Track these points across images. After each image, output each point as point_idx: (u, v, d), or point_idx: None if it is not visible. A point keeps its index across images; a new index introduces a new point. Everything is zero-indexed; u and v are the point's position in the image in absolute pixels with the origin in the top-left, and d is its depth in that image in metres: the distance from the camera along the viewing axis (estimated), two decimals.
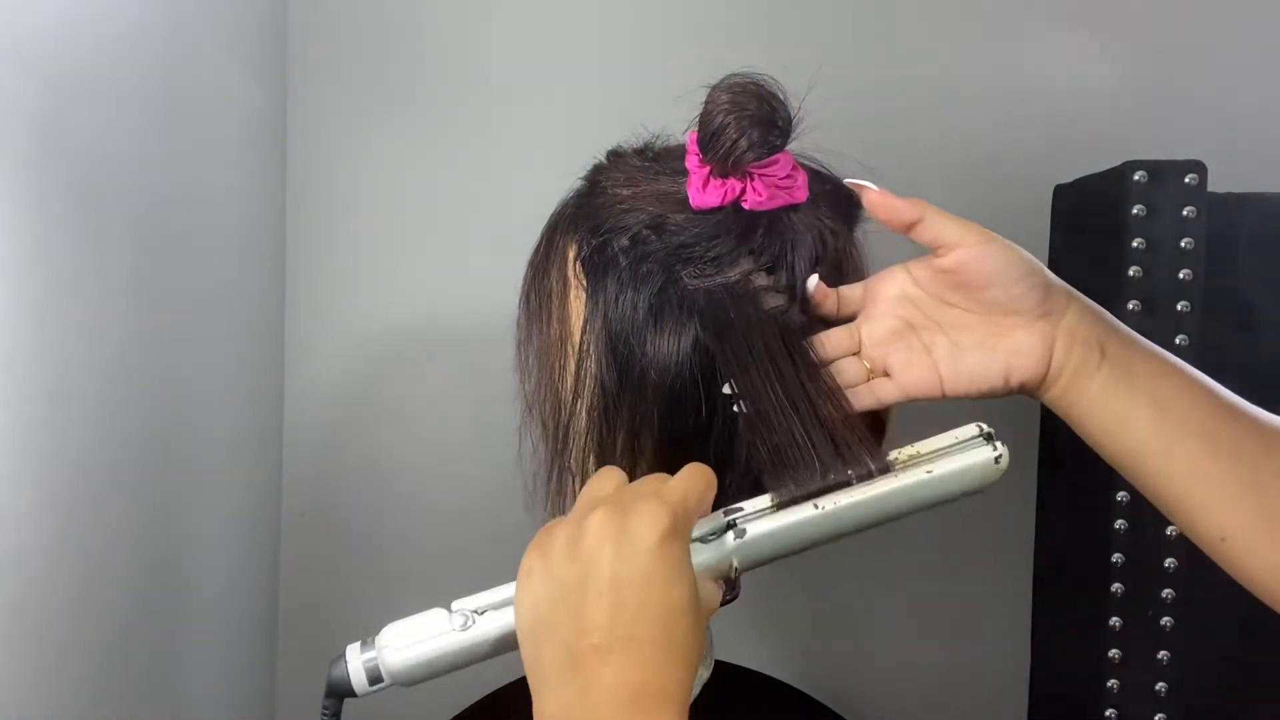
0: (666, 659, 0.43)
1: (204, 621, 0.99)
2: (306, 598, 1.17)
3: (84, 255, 0.76)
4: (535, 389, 0.60)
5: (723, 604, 0.64)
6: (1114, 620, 0.82)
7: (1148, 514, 0.66)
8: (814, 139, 0.58)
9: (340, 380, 1.16)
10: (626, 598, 0.43)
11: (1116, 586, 0.82)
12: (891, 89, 1.11)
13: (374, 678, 0.55)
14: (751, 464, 0.55)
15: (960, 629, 1.15)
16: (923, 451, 0.52)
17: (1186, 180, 0.79)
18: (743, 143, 0.53)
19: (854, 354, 0.56)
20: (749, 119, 0.53)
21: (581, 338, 0.56)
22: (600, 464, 0.57)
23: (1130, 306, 0.80)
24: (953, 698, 1.16)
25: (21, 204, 0.68)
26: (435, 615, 0.52)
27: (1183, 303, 0.80)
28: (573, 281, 0.58)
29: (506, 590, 0.51)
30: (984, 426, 0.52)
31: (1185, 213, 0.79)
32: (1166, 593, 0.81)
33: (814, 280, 0.56)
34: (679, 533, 0.45)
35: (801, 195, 0.56)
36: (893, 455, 0.52)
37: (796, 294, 0.56)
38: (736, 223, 0.55)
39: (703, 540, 0.49)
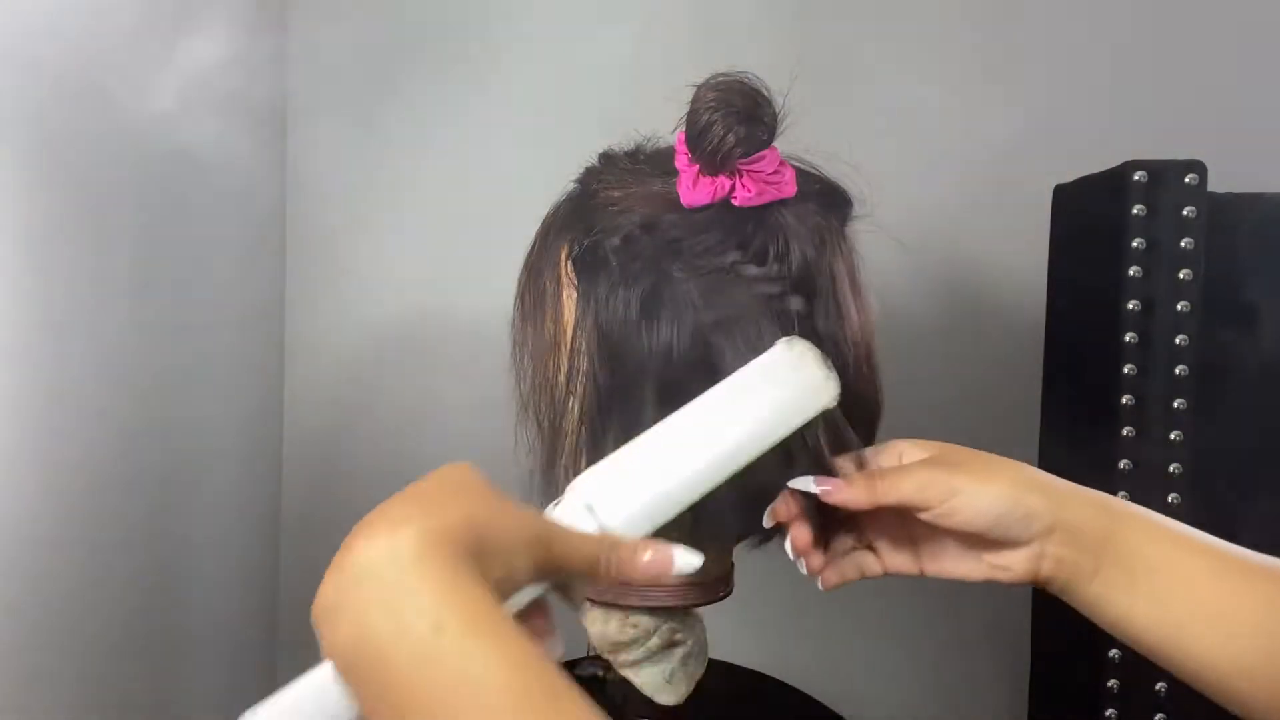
0: (438, 500, 0.42)
1: (204, 621, 0.99)
2: (306, 598, 1.17)
3: (84, 255, 0.77)
4: (530, 388, 0.61)
5: (715, 600, 0.64)
6: None
7: None
8: (809, 140, 0.58)
9: (339, 380, 1.16)
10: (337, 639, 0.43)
11: None
12: (892, 89, 1.11)
13: None
14: None
15: (960, 629, 1.14)
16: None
17: (1186, 180, 0.79)
18: (730, 139, 0.53)
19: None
20: (735, 116, 0.53)
21: (574, 337, 0.57)
22: (594, 461, 0.57)
23: (1130, 306, 0.80)
24: (952, 697, 1.16)
25: (21, 204, 0.69)
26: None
27: (1183, 303, 0.79)
28: (565, 281, 0.58)
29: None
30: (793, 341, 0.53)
31: (1185, 213, 0.79)
32: None
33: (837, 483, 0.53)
34: (394, 537, 0.42)
35: (790, 190, 0.56)
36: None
37: (790, 280, 0.55)
38: (727, 219, 0.55)
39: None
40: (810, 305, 0.56)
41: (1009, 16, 1.10)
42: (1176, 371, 0.80)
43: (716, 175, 0.55)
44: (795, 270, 0.55)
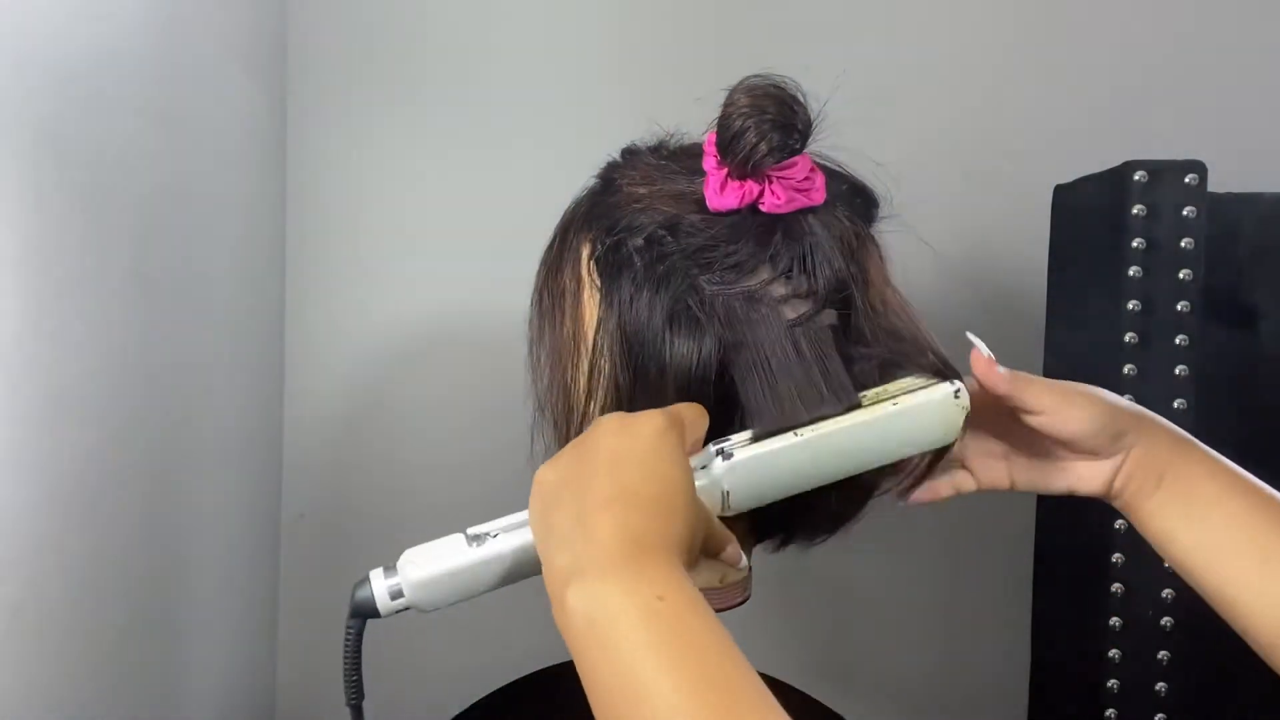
0: (663, 514, 0.46)
1: (204, 621, 0.99)
2: (306, 598, 1.17)
3: (84, 255, 0.76)
4: (547, 388, 0.60)
5: (733, 607, 0.63)
6: (1114, 620, 0.82)
7: None
8: (828, 140, 0.58)
9: (340, 380, 1.16)
10: (627, 465, 0.47)
11: (1116, 586, 0.82)
12: (891, 89, 1.11)
13: (395, 596, 0.59)
14: None
15: (960, 629, 1.15)
16: (890, 390, 0.55)
17: (1186, 180, 0.79)
18: (762, 146, 0.52)
19: None
20: (769, 122, 0.52)
21: (595, 337, 0.56)
22: None
23: (1130, 306, 0.80)
24: (953, 698, 1.16)
25: (21, 204, 0.69)
26: (452, 539, 0.56)
27: (1183, 303, 0.80)
28: (586, 280, 0.57)
29: (520, 515, 0.54)
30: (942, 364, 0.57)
31: (1185, 213, 0.79)
32: (1166, 593, 0.81)
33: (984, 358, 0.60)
34: (674, 429, 0.49)
35: (819, 197, 0.55)
36: (861, 395, 0.55)
37: (819, 298, 0.54)
38: (753, 225, 0.54)
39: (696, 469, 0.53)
40: (844, 314, 0.55)
41: (1009, 17, 1.10)
42: (1176, 371, 0.80)
43: (745, 180, 0.54)
44: (824, 285, 0.54)
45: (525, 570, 0.53)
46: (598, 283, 0.56)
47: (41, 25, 0.71)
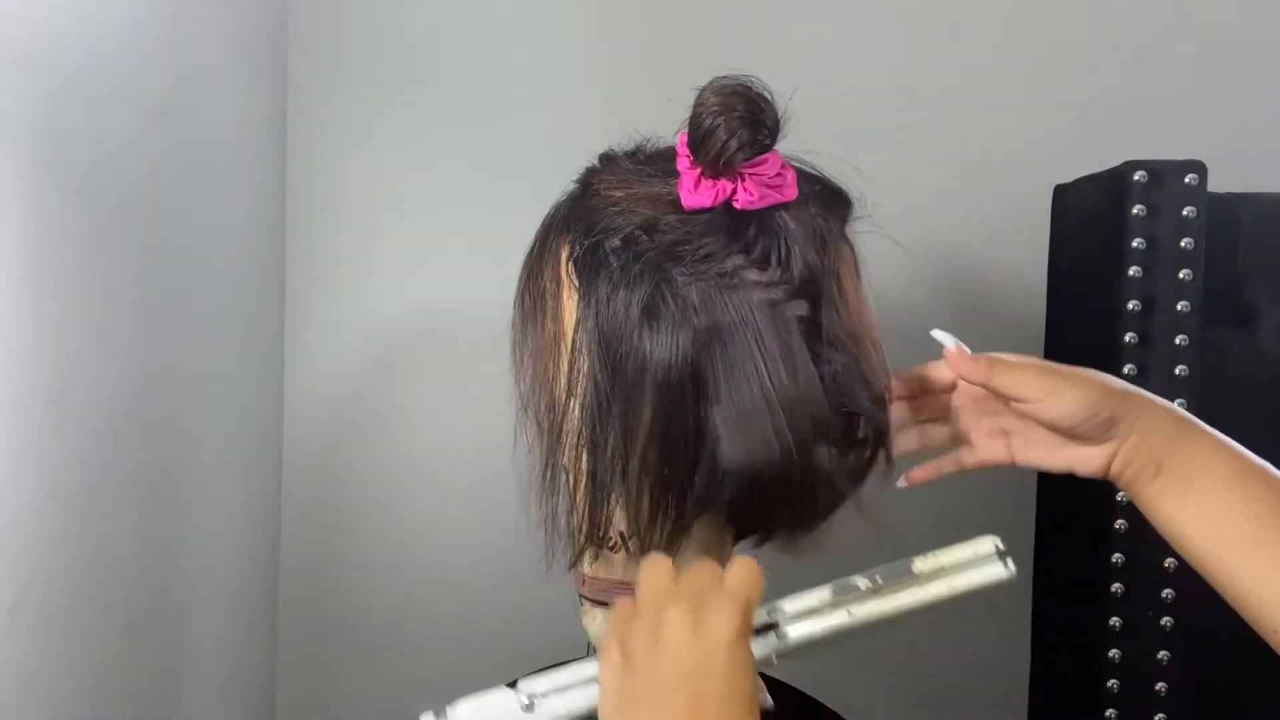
0: None
1: (204, 621, 0.99)
2: (306, 597, 1.17)
3: (84, 255, 0.77)
4: (530, 388, 0.61)
5: None
6: (1114, 620, 0.82)
7: None
8: (809, 140, 0.58)
9: (340, 380, 1.16)
10: (706, 688, 0.47)
11: (1116, 587, 0.82)
12: (891, 89, 1.11)
13: None
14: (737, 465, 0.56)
15: (960, 629, 1.14)
16: (944, 565, 0.56)
17: (1186, 180, 0.79)
18: (732, 143, 0.53)
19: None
20: (738, 120, 0.54)
21: (575, 337, 0.57)
22: (593, 462, 0.57)
23: (1130, 306, 0.80)
24: (953, 698, 1.16)
25: (22, 205, 0.69)
26: (503, 695, 0.56)
27: (1183, 303, 0.79)
28: (566, 282, 0.58)
29: (567, 673, 0.55)
30: (999, 544, 0.56)
31: (1185, 213, 0.79)
32: (1166, 593, 0.81)
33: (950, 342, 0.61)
34: (747, 630, 0.50)
35: (791, 194, 0.56)
36: (916, 567, 0.57)
37: (792, 288, 0.55)
38: (728, 222, 0.55)
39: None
40: (814, 309, 0.56)
41: (1009, 17, 1.10)
42: (1176, 371, 0.80)
43: (718, 178, 0.55)
44: (798, 275, 0.55)
45: None
46: (576, 283, 0.57)
47: (41, 25, 0.71)
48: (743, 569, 0.52)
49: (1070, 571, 0.92)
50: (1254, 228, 0.84)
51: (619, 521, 0.59)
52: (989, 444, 0.63)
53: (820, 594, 0.57)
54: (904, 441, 0.64)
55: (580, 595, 0.65)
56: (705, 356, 0.54)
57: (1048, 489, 0.96)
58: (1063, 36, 1.10)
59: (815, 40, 1.11)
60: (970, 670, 1.15)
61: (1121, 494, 0.81)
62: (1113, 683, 0.82)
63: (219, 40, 0.99)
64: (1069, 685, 0.91)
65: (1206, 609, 0.80)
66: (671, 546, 0.60)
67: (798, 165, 0.59)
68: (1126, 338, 0.80)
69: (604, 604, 0.63)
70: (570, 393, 0.58)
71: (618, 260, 0.55)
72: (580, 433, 0.57)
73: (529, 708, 0.54)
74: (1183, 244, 0.79)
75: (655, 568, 0.53)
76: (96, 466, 0.79)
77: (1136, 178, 0.79)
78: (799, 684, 1.00)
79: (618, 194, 0.58)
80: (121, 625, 0.83)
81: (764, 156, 0.55)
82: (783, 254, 0.55)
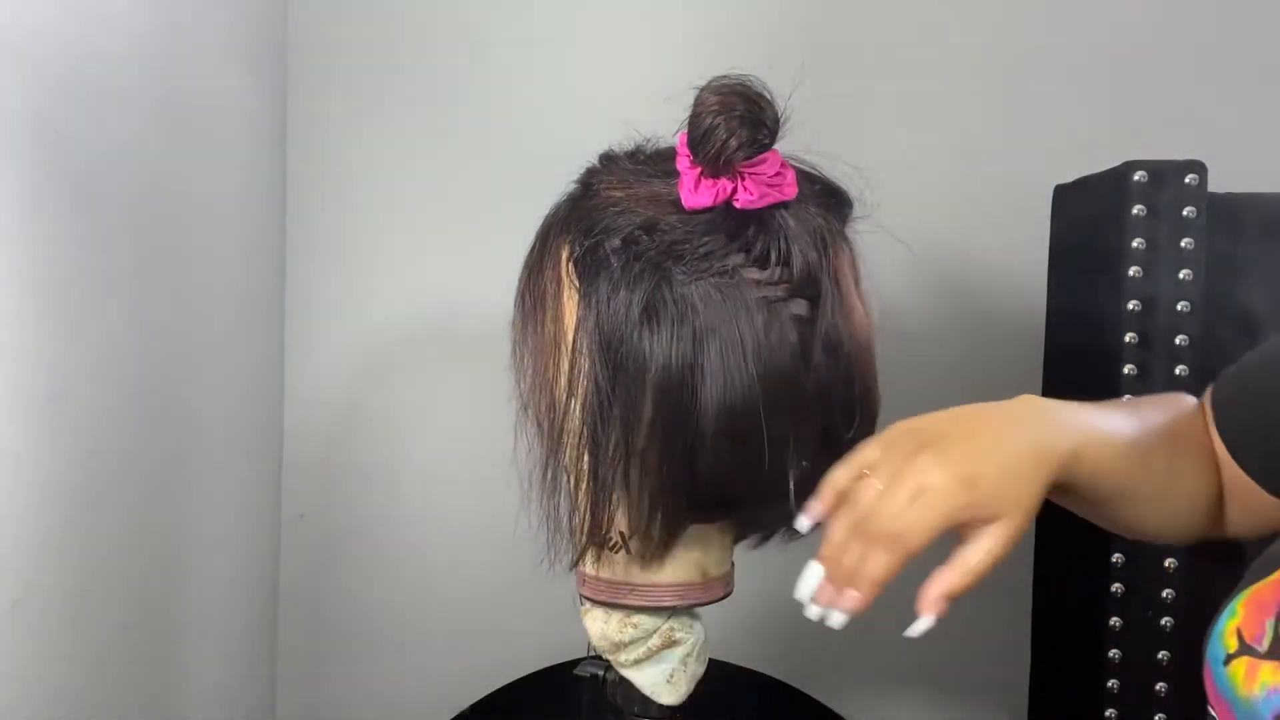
0: None
1: (204, 621, 0.99)
2: (306, 598, 1.17)
3: (84, 255, 0.77)
4: (530, 388, 0.61)
5: (715, 600, 0.64)
6: (1114, 621, 0.82)
7: None
8: (809, 140, 0.58)
9: (340, 380, 1.16)
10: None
11: (1116, 587, 0.82)
12: (891, 89, 1.11)
13: None
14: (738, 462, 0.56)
15: (960, 629, 1.14)
16: None
17: (1186, 180, 0.79)
18: (732, 143, 0.53)
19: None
20: (737, 119, 0.54)
21: (575, 337, 0.57)
22: (594, 462, 0.57)
23: (1130, 306, 0.80)
24: (953, 698, 1.16)
25: (21, 204, 0.69)
26: None
27: (1183, 303, 0.79)
28: (566, 282, 0.58)
29: None
30: None
31: (1185, 213, 0.79)
32: (1166, 593, 0.81)
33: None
34: None
35: (791, 192, 0.56)
36: None
37: (792, 286, 0.56)
38: (728, 221, 0.55)
39: None
40: (814, 308, 0.56)
41: (1009, 17, 1.10)
42: (1176, 371, 0.80)
43: (718, 178, 0.55)
44: (797, 274, 0.55)
45: None
46: (576, 284, 0.57)
47: (41, 25, 0.71)
48: None
49: (1070, 571, 0.92)
50: (1254, 228, 0.84)
51: (620, 521, 0.59)
52: None
53: None
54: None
55: (581, 595, 0.65)
56: (704, 355, 0.54)
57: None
58: (1063, 36, 1.10)
59: (815, 40, 1.11)
60: (970, 670, 1.15)
61: None
62: (1113, 683, 0.82)
63: (219, 40, 0.99)
64: (1069, 685, 0.91)
65: (1206, 609, 0.80)
66: (672, 545, 0.60)
67: (797, 164, 0.59)
68: (1126, 338, 0.80)
69: (605, 604, 0.63)
70: (571, 393, 0.58)
71: (618, 260, 0.55)
72: (581, 433, 0.57)
73: None
74: (1183, 244, 0.79)
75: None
76: (96, 466, 0.79)
77: (1136, 178, 0.79)
78: (799, 684, 1.00)
79: (618, 194, 0.58)
80: (121, 625, 0.83)
81: (763, 156, 0.55)
82: (782, 253, 0.55)
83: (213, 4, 0.98)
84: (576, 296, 0.57)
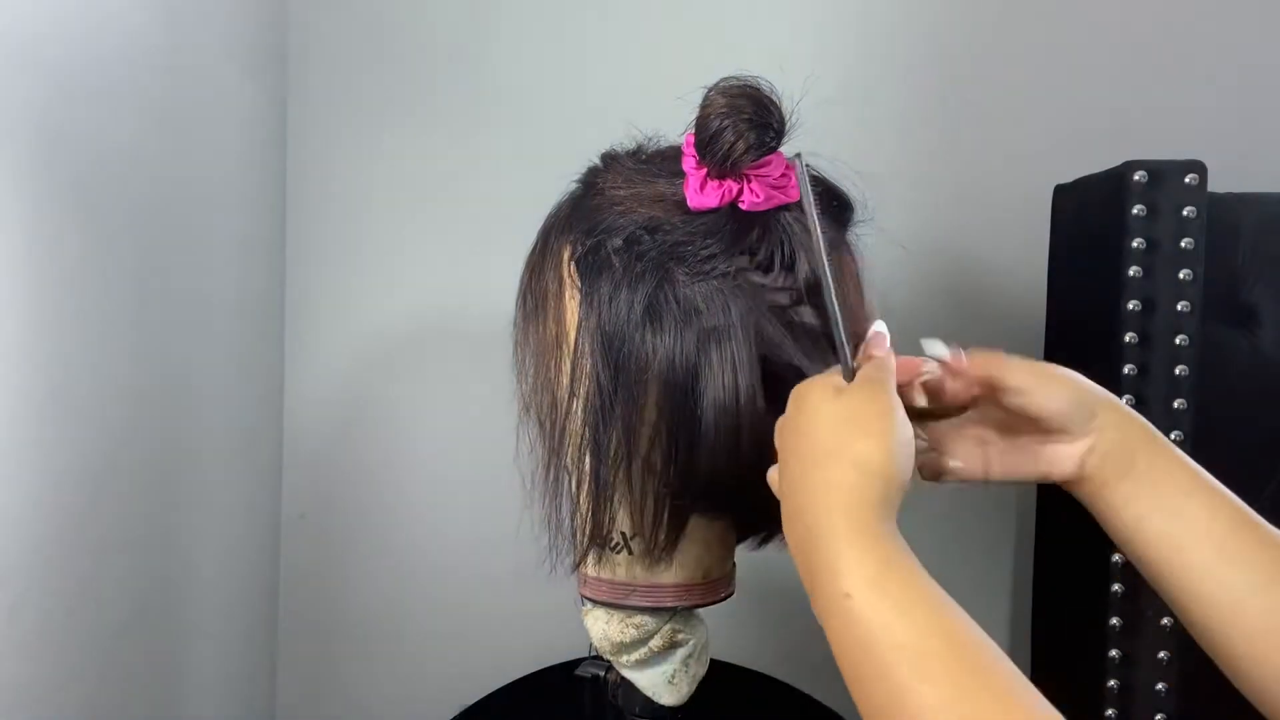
0: None
1: (204, 622, 0.99)
2: (306, 598, 1.17)
3: (84, 255, 0.76)
4: (531, 388, 0.61)
5: (717, 601, 0.64)
6: (1114, 620, 0.82)
7: None
8: (810, 142, 0.58)
9: (340, 380, 1.16)
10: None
11: (1116, 587, 0.82)
12: (891, 90, 1.11)
13: None
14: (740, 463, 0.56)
15: None
16: None
17: (1186, 180, 0.79)
18: (740, 145, 0.53)
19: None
20: (745, 122, 0.54)
21: (577, 337, 0.57)
22: (595, 462, 0.57)
23: (1130, 306, 0.80)
24: None
25: (22, 204, 0.69)
26: None
27: (1183, 303, 0.79)
28: (568, 282, 0.58)
29: None
30: None
31: (1185, 213, 0.79)
32: None
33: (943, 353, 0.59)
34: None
35: (796, 194, 0.56)
36: None
37: (800, 289, 0.55)
38: (732, 223, 0.55)
39: None
40: (816, 312, 0.56)
41: (1009, 17, 1.10)
42: (1176, 371, 0.80)
43: (724, 179, 0.55)
44: (803, 281, 0.55)
45: None
46: (578, 284, 0.57)
47: (41, 25, 0.71)
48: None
49: (1070, 571, 0.92)
50: (1254, 228, 0.84)
51: (622, 522, 0.59)
52: (968, 455, 0.61)
53: None
54: None
55: (582, 595, 0.65)
56: (707, 357, 0.54)
57: (1048, 489, 0.96)
58: (1063, 37, 1.10)
59: (815, 41, 1.11)
60: None
61: None
62: (1113, 683, 0.82)
63: (219, 40, 0.99)
64: (1069, 685, 0.91)
65: None
66: (674, 546, 0.60)
67: None
68: (1126, 338, 0.80)
69: (606, 604, 0.63)
70: (572, 393, 0.57)
71: (620, 260, 0.55)
72: (582, 433, 0.57)
73: None
74: (1183, 244, 0.79)
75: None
76: (97, 466, 0.79)
77: (1136, 178, 0.79)
78: (799, 684, 1.00)
79: (620, 193, 0.58)
80: (121, 625, 0.83)
81: (769, 158, 0.55)
82: (786, 257, 0.55)
83: (213, 4, 0.98)
84: (578, 296, 0.57)
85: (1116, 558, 0.82)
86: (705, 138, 0.54)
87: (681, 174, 0.56)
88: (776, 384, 0.55)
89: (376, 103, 1.13)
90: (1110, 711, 0.82)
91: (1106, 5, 1.09)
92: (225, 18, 1.00)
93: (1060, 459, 0.59)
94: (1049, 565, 0.98)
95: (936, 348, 0.59)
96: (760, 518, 0.60)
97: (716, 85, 0.55)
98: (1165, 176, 0.79)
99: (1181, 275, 0.79)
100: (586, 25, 1.13)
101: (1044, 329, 0.97)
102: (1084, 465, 0.58)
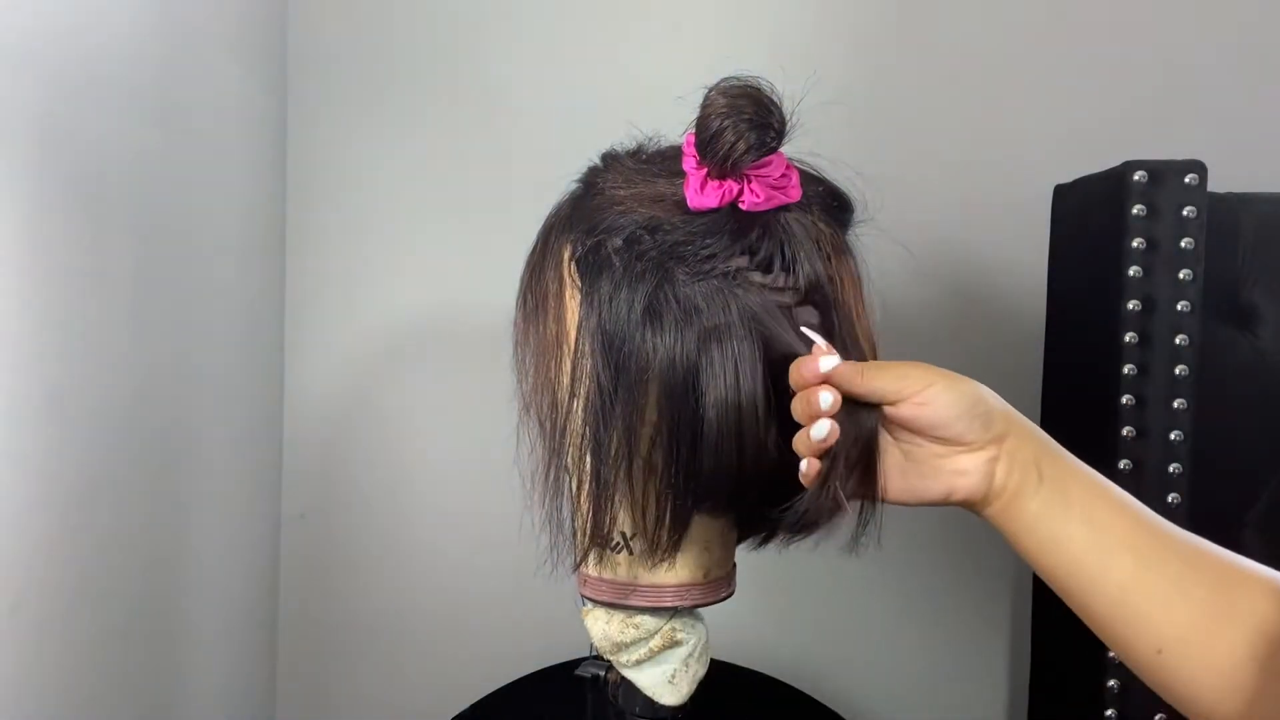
0: None
1: (204, 621, 0.99)
2: (306, 598, 1.17)
3: (84, 255, 0.76)
4: (532, 388, 0.61)
5: (717, 601, 0.64)
6: None
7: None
8: (810, 142, 0.58)
9: (340, 380, 1.16)
10: None
11: None
12: (892, 90, 1.11)
13: None
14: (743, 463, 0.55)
15: (960, 629, 1.15)
16: None
17: (1186, 180, 0.79)
18: (740, 145, 0.53)
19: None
20: (746, 122, 0.53)
21: (577, 337, 0.57)
22: (596, 462, 0.57)
23: (1130, 306, 0.80)
24: (952, 698, 1.16)
25: (21, 204, 0.69)
26: None
27: (1183, 303, 0.79)
28: (568, 281, 0.58)
29: None
30: None
31: (1185, 213, 0.79)
32: None
33: (822, 344, 0.54)
34: None
35: (796, 194, 0.56)
36: None
37: (801, 290, 0.55)
38: (732, 223, 0.55)
39: None
40: (818, 313, 0.56)
41: (1009, 17, 1.10)
42: (1176, 371, 0.80)
43: (725, 179, 0.55)
44: (802, 280, 0.55)
45: None
46: (579, 283, 0.57)
47: (41, 25, 0.71)
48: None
49: None
50: (1254, 228, 0.84)
51: (622, 522, 0.59)
52: (859, 478, 0.55)
53: None
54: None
55: (582, 595, 0.65)
56: (707, 357, 0.54)
57: None
58: (1063, 36, 1.10)
59: (816, 41, 1.11)
60: (971, 670, 1.15)
61: None
62: (1113, 683, 0.82)
63: (219, 40, 0.99)
64: (1069, 685, 0.91)
65: None
66: (674, 546, 0.60)
67: (800, 166, 0.59)
68: (1126, 338, 0.80)
69: (606, 604, 0.63)
70: (573, 393, 0.57)
71: (620, 260, 0.55)
72: (583, 433, 0.57)
73: None
74: (1183, 244, 0.79)
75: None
76: (96, 466, 0.79)
77: (1136, 178, 0.79)
78: (799, 684, 1.00)
79: (620, 193, 0.58)
80: (121, 625, 0.83)
81: (769, 158, 0.55)
82: (786, 258, 0.55)
83: (213, 4, 0.98)
84: (579, 296, 0.57)
85: None
86: (705, 138, 0.54)
87: (682, 174, 0.56)
88: (777, 383, 0.55)
89: (376, 102, 1.13)
90: (1110, 712, 0.82)
91: (1107, 5, 1.09)
92: (225, 17, 1.00)
93: (966, 471, 0.54)
94: None
95: (815, 335, 0.55)
96: (761, 517, 0.60)
97: (717, 85, 0.55)
98: (1165, 176, 0.79)
99: (1181, 275, 0.79)
100: (587, 25, 1.13)
101: (1044, 329, 0.97)
102: (992, 479, 0.53)
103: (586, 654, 0.68)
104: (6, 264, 0.67)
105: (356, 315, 1.15)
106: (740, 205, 0.55)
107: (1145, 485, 0.79)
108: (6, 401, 0.68)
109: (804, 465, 0.52)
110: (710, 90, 0.55)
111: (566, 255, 0.59)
